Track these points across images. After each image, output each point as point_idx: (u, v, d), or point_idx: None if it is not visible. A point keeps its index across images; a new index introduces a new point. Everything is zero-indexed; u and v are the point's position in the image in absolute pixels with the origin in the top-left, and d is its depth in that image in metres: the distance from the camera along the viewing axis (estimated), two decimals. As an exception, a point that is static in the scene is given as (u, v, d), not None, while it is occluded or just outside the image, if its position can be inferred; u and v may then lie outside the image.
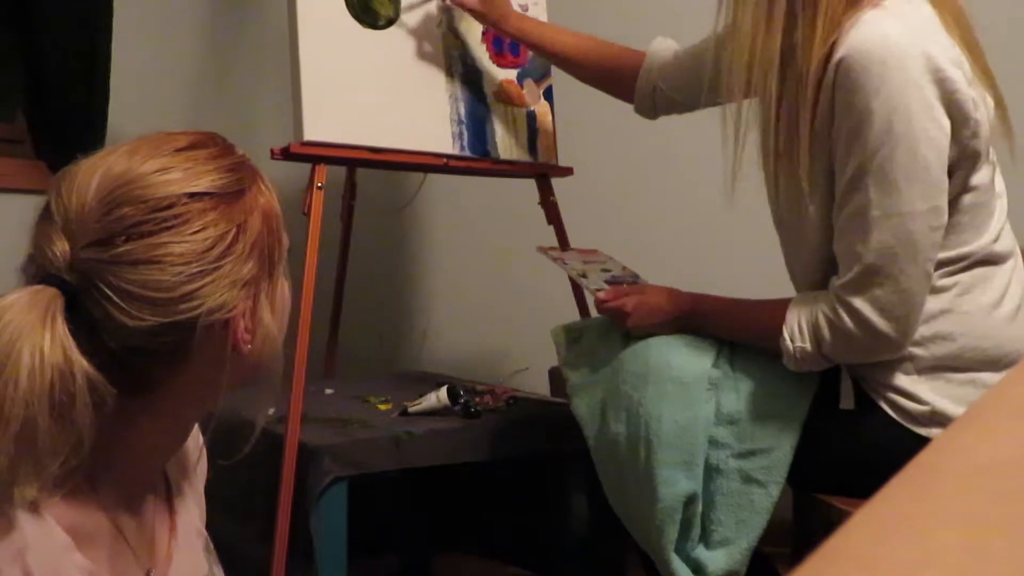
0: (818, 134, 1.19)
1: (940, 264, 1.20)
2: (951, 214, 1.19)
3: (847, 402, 1.25)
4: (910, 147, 1.13)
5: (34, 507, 0.72)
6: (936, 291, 1.21)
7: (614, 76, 1.66)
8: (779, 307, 1.27)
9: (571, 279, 1.89)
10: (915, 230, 1.15)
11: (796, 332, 1.24)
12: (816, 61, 1.16)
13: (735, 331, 1.35)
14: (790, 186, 1.24)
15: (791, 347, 1.24)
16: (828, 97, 1.17)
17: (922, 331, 1.21)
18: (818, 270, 1.27)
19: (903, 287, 1.16)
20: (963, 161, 1.19)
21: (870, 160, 1.14)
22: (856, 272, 1.18)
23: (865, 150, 1.14)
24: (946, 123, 1.15)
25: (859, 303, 1.18)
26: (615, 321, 1.41)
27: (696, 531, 1.29)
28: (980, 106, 1.18)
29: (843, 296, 1.20)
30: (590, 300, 1.93)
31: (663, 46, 1.61)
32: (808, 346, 1.22)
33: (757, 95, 1.23)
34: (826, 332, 1.21)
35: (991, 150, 1.23)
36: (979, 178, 1.22)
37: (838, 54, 1.15)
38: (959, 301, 1.22)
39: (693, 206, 2.35)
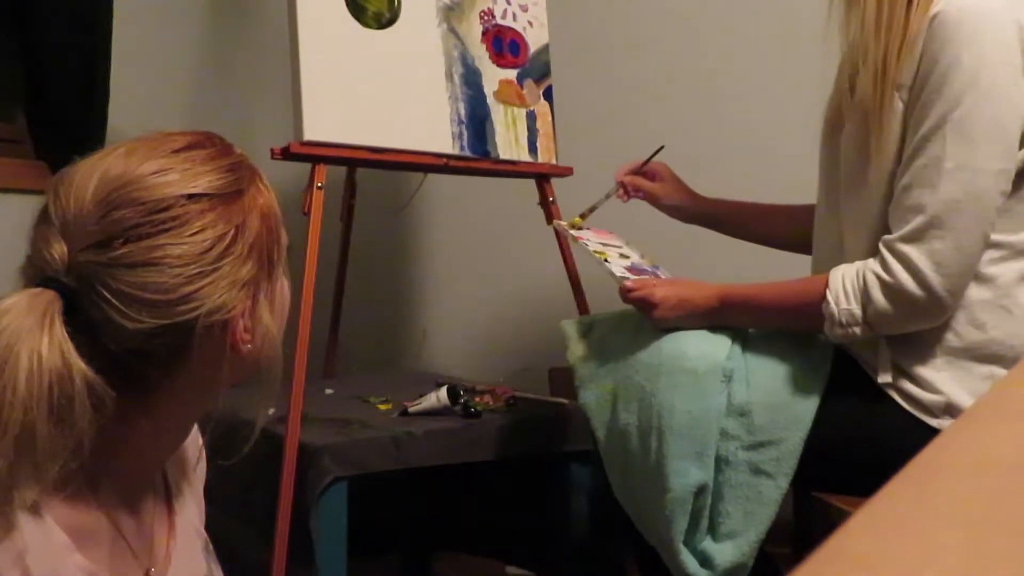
0: (900, 88, 1.19)
1: (988, 247, 1.19)
2: (1010, 197, 1.18)
3: (884, 375, 1.22)
4: (993, 105, 1.14)
5: (34, 508, 0.72)
6: (980, 279, 1.20)
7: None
8: (815, 280, 1.26)
9: (576, 268, 1.89)
10: (984, 188, 1.15)
11: (841, 294, 1.21)
12: (919, 21, 1.17)
13: (769, 315, 1.33)
14: (857, 153, 1.24)
15: (836, 311, 1.21)
16: (917, 51, 1.17)
17: (958, 316, 1.20)
18: (869, 250, 1.24)
19: (962, 244, 1.15)
20: None
21: (951, 111, 1.15)
22: (917, 223, 1.16)
23: (948, 101, 1.15)
24: None
25: (915, 254, 1.16)
26: (641, 311, 1.39)
27: (705, 523, 1.28)
28: None
29: (898, 247, 1.18)
30: (598, 291, 1.94)
31: None
32: (855, 307, 1.20)
33: (883, 74, 1.20)
34: (875, 290, 1.18)
35: None
36: None
37: (934, 9, 1.16)
38: (1000, 294, 1.21)
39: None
